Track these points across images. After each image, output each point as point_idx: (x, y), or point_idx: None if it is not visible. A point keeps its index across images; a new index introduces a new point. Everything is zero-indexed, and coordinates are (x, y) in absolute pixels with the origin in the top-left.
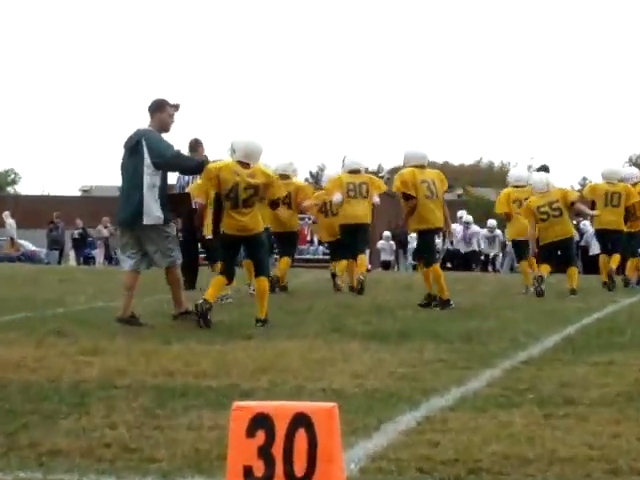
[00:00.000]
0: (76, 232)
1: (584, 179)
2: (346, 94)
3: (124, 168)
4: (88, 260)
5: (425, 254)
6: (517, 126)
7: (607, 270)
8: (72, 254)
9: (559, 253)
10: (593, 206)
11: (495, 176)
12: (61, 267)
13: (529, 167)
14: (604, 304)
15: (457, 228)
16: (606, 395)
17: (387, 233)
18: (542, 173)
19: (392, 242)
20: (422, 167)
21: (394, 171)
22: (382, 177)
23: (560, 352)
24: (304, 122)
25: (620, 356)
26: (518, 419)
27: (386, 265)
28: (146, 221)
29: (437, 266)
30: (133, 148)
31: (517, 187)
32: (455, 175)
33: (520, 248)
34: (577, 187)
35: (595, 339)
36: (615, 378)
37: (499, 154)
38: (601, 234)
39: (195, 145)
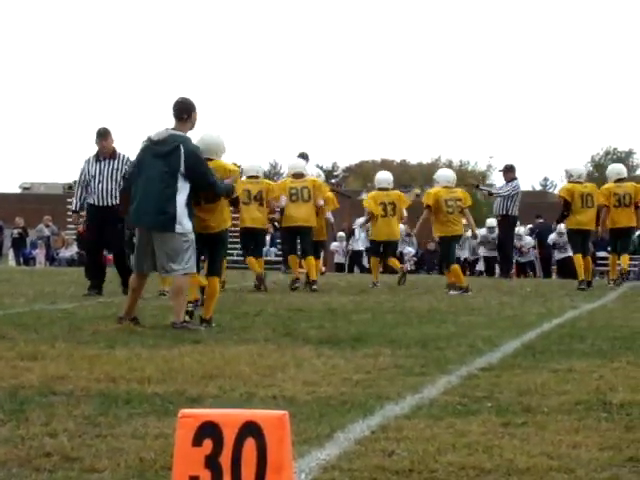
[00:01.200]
0: (16, 231)
1: (545, 179)
2: (301, 91)
3: (150, 166)
4: (28, 260)
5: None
6: (476, 124)
7: (615, 268)
8: (11, 254)
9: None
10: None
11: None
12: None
13: (488, 166)
14: (564, 310)
15: None
16: (565, 403)
17: (341, 234)
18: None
19: (345, 243)
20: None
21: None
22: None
23: (520, 358)
24: (257, 118)
25: (580, 363)
26: (475, 428)
27: (340, 267)
28: (178, 229)
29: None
30: (169, 152)
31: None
32: (413, 174)
33: None
34: (538, 187)
35: (555, 345)
36: (575, 386)
37: (458, 152)
38: (614, 234)
39: None
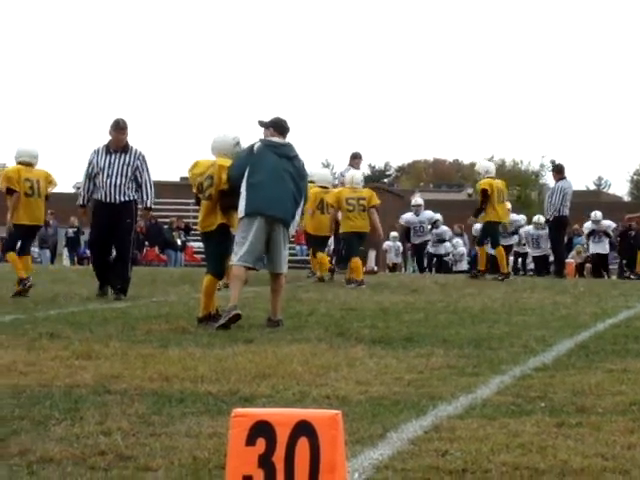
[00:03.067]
0: (70, 230)
1: (599, 179)
2: (351, 91)
3: (276, 164)
4: (82, 260)
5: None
6: (529, 124)
7: None
8: (65, 253)
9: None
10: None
11: (506, 174)
12: (54, 267)
13: (542, 165)
14: (618, 309)
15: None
16: (620, 403)
17: (394, 234)
18: None
19: (399, 243)
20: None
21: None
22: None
23: (573, 358)
24: (308, 119)
25: (635, 363)
26: (529, 428)
27: (393, 267)
28: (291, 230)
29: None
30: (295, 156)
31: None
32: (466, 174)
33: None
34: (592, 187)
35: (610, 345)
36: (630, 386)
37: (511, 152)
38: None
39: None
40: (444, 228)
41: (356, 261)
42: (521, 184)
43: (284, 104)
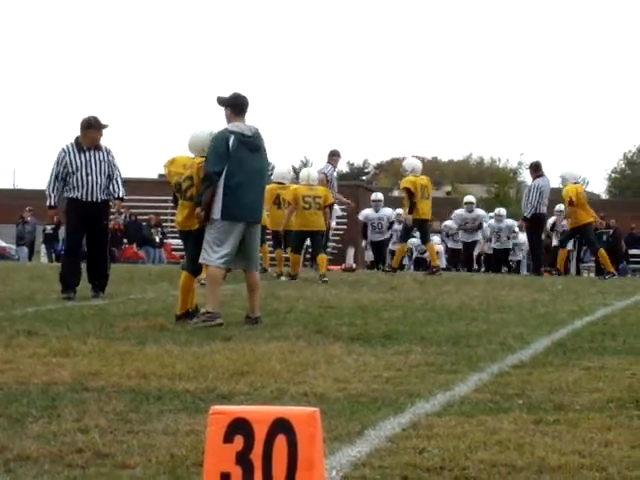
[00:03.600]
0: (48, 227)
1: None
2: (330, 89)
3: (250, 161)
4: (60, 257)
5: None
6: (507, 122)
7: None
8: (43, 250)
9: None
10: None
11: (485, 172)
12: (31, 264)
13: (519, 163)
14: (596, 307)
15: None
16: (597, 401)
17: None
18: None
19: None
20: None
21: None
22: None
23: (551, 356)
24: (288, 115)
25: (612, 361)
26: (506, 425)
27: (371, 265)
28: (259, 222)
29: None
30: (261, 147)
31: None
32: (444, 171)
33: None
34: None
35: (587, 343)
36: (607, 383)
37: (489, 149)
38: None
39: None
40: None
41: (297, 257)
42: (499, 182)
43: (262, 100)
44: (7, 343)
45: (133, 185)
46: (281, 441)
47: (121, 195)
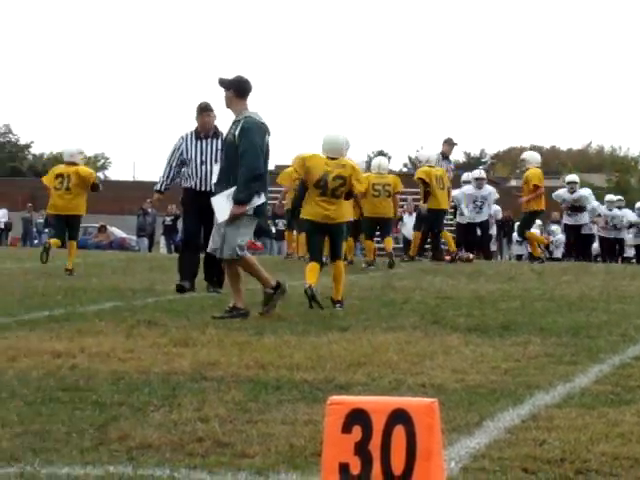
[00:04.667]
0: (168, 218)
1: None
2: (447, 78)
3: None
4: (179, 248)
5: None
6: (629, 110)
7: None
8: (163, 241)
9: None
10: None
11: (605, 161)
12: (151, 255)
13: None
14: None
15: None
16: None
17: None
18: None
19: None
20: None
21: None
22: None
23: None
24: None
25: None
26: (629, 417)
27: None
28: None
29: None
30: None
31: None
32: (563, 160)
33: None
34: None
35: None
36: None
37: (610, 138)
38: None
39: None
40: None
41: (370, 243)
42: (620, 170)
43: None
44: (128, 333)
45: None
46: (399, 432)
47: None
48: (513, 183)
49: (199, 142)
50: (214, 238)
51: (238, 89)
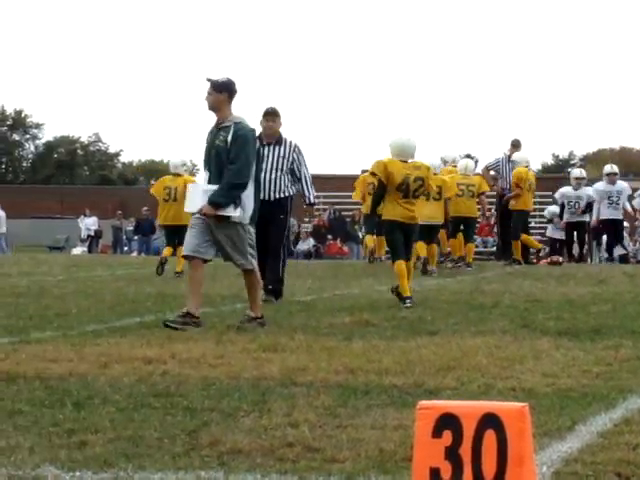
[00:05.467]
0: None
1: None
2: (532, 80)
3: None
4: None
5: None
6: None
7: None
8: None
9: None
10: None
11: None
12: None
13: None
14: None
15: None
16: None
17: None
18: None
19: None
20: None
21: None
22: None
23: None
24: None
25: None
26: None
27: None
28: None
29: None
30: None
31: None
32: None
33: None
34: None
35: None
36: None
37: None
38: None
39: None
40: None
41: (455, 241)
42: None
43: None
44: (218, 339)
45: (338, 181)
46: (490, 436)
47: (312, 200)
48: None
49: (261, 149)
50: (192, 240)
51: (231, 92)
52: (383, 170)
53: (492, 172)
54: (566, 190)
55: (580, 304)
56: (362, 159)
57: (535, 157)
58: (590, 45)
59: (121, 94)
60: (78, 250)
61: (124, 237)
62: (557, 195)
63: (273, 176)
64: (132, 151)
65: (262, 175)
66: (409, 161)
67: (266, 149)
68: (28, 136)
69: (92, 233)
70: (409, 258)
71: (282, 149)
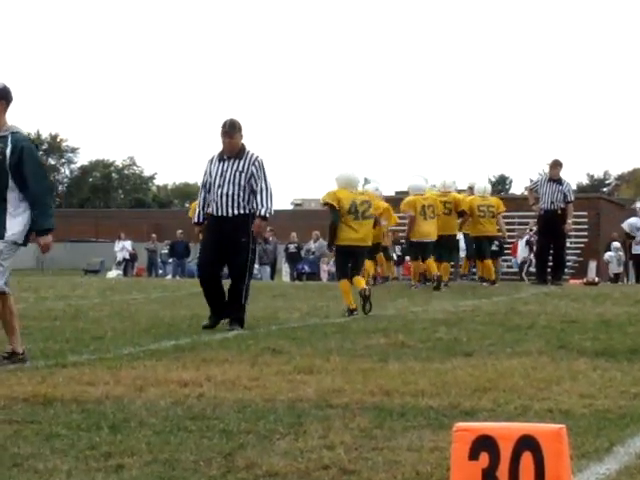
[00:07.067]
0: (292, 246)
1: None
2: (567, 99)
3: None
4: (301, 275)
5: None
6: None
7: None
8: (285, 269)
9: None
10: None
11: None
12: (274, 282)
13: None
14: None
15: None
16: None
17: (616, 244)
18: None
19: (621, 253)
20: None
21: None
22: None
23: None
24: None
25: None
26: None
27: (615, 278)
28: None
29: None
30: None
31: None
32: None
33: None
34: None
35: None
36: None
37: None
38: None
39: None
40: None
41: (488, 262)
42: None
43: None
44: (253, 361)
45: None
46: (527, 458)
47: (263, 213)
48: (638, 205)
49: (221, 163)
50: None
51: (8, 99)
52: (334, 197)
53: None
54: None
55: (616, 324)
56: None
57: (570, 176)
58: (625, 64)
59: (155, 118)
60: (113, 273)
61: (159, 260)
62: (625, 226)
63: (230, 191)
64: (166, 174)
65: (219, 190)
66: (353, 191)
67: (225, 164)
68: (63, 160)
69: (127, 256)
70: (359, 273)
71: (241, 163)
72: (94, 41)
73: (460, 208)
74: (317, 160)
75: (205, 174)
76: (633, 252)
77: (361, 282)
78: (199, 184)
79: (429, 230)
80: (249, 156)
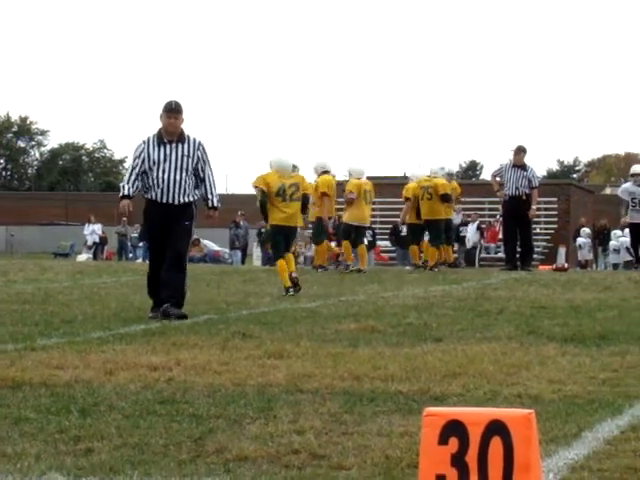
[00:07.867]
0: (263, 230)
1: None
2: (534, 84)
3: None
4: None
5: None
6: None
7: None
8: (257, 253)
9: None
10: None
11: None
12: (244, 267)
13: None
14: None
15: None
16: None
17: (586, 230)
18: None
19: (589, 240)
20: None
21: None
22: None
23: None
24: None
25: None
26: None
27: (584, 264)
28: None
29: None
30: None
31: None
32: None
33: None
34: None
35: None
36: None
37: None
38: None
39: None
40: None
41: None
42: None
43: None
44: (223, 345)
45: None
46: (496, 443)
47: (215, 204)
48: (608, 191)
49: (162, 147)
50: None
51: None
52: (262, 181)
53: (498, 178)
54: (628, 186)
55: (586, 310)
56: (400, 162)
57: (540, 163)
58: (596, 51)
59: (126, 101)
60: (83, 257)
61: (129, 244)
62: (619, 193)
63: (178, 177)
64: None
65: (164, 176)
66: (285, 175)
67: (167, 147)
68: (33, 143)
69: (97, 240)
70: (290, 251)
71: (186, 147)
72: (64, 22)
73: (441, 192)
74: (292, 145)
75: (140, 157)
76: (631, 221)
77: (291, 262)
78: None
79: (366, 215)
80: (191, 140)
